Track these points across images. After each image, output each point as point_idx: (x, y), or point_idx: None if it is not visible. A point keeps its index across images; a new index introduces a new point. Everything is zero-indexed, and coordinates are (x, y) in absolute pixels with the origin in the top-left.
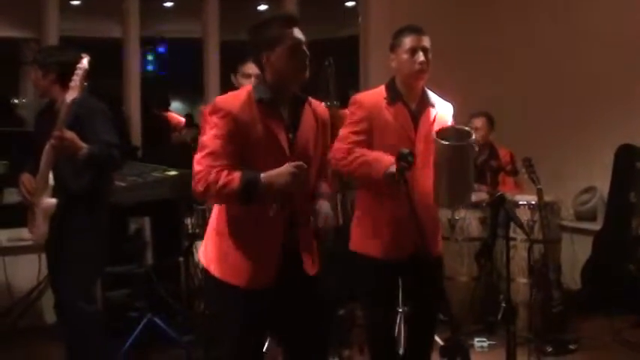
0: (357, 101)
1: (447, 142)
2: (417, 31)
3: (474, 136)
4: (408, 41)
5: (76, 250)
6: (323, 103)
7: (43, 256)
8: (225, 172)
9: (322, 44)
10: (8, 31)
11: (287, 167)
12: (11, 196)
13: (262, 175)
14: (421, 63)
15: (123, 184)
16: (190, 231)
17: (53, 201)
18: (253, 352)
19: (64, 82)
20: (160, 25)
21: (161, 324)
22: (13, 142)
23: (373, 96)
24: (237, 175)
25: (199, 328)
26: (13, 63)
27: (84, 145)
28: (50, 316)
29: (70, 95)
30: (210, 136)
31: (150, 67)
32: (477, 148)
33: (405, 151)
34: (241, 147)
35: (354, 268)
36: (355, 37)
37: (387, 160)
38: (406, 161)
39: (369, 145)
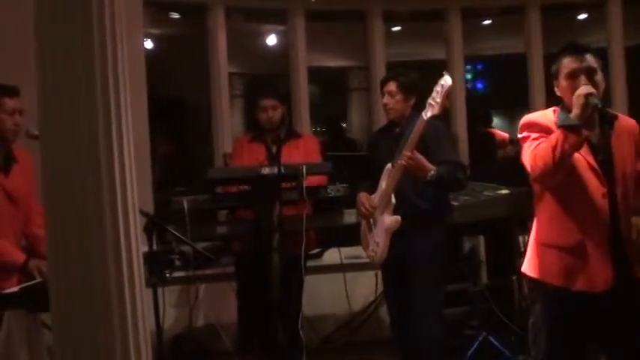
0: None
1: None
2: None
3: None
4: None
5: (424, 269)
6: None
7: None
8: (544, 139)
9: None
10: (339, 61)
11: (579, 89)
12: (350, 217)
13: (571, 114)
14: None
15: (456, 204)
16: (523, 249)
17: (397, 218)
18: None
19: (417, 104)
20: (479, 43)
21: (496, 343)
22: (346, 166)
23: None
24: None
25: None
26: (341, 90)
27: (432, 167)
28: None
29: (428, 113)
30: (530, 146)
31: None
32: None
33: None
34: None
35: None
36: None
37: None
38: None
39: None
